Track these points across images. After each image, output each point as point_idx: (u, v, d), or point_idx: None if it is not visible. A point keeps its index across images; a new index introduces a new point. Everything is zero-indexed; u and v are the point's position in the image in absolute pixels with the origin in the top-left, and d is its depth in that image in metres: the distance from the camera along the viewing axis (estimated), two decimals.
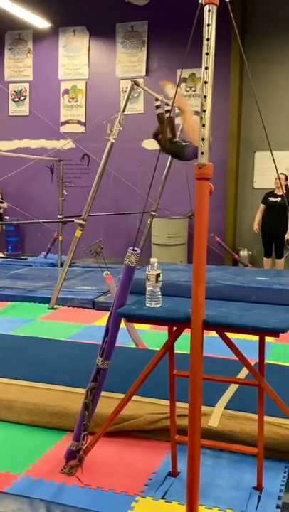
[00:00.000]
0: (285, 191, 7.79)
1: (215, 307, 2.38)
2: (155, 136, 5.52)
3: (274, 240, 7.91)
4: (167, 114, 5.82)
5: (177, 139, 5.58)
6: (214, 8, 2.01)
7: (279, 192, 7.69)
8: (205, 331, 2.15)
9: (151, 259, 2.39)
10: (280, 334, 2.16)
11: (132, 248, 2.42)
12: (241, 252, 8.95)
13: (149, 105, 9.09)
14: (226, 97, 8.70)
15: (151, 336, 4.67)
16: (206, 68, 2.02)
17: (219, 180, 8.95)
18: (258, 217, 8.04)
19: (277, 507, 2.34)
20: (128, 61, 9.43)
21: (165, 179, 8.06)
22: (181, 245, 8.75)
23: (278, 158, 8.85)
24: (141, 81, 7.84)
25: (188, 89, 9.11)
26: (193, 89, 9.01)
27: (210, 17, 2.00)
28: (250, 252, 8.98)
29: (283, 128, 8.63)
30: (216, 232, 8.55)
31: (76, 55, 9.75)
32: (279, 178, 7.64)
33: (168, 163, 7.57)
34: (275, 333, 2.14)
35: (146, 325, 4.70)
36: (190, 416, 2.11)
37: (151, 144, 9.11)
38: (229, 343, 2.25)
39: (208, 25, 1.99)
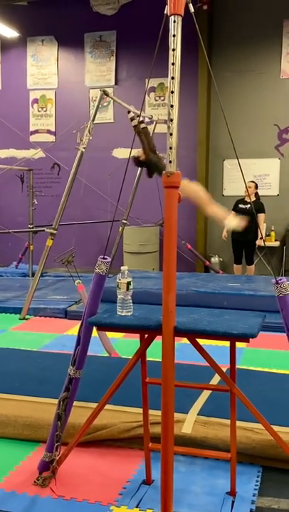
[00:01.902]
0: (255, 198, 7.90)
1: (186, 314, 2.40)
2: (136, 160, 5.42)
3: (244, 246, 7.99)
4: (142, 125, 5.84)
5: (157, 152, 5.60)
6: (179, 19, 2.04)
7: (248, 199, 7.79)
8: (177, 338, 2.17)
9: (122, 267, 2.40)
10: (250, 339, 2.19)
11: (102, 257, 2.43)
12: (212, 259, 9.02)
13: (119, 114, 9.15)
14: (194, 106, 8.79)
15: (124, 344, 4.66)
16: (173, 78, 2.04)
17: None
18: None
19: (251, 511, 2.36)
20: (97, 70, 9.46)
21: (136, 187, 8.10)
22: (152, 253, 8.78)
23: (246, 166, 9.05)
24: (110, 90, 7.85)
25: (156, 98, 9.18)
26: (162, 98, 9.08)
27: (175, 28, 2.03)
28: (221, 259, 9.06)
29: (251, 136, 8.76)
30: (188, 240, 8.61)
31: (45, 65, 9.74)
32: (248, 186, 7.74)
33: (138, 171, 7.60)
34: (245, 338, 2.17)
35: (119, 333, 4.69)
36: (163, 423, 2.12)
37: (121, 153, 9.15)
38: (200, 349, 2.26)
39: (174, 35, 2.02)
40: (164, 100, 9.00)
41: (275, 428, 2.49)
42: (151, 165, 5.45)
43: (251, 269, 8.13)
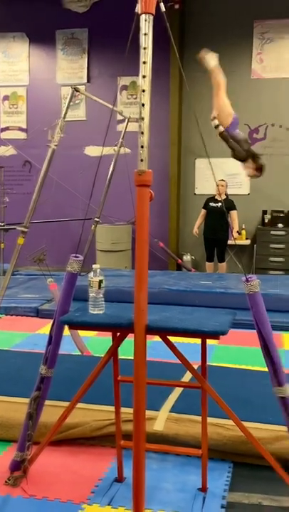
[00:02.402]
0: (225, 197, 7.97)
1: (157, 312, 2.41)
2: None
3: (215, 244, 8.07)
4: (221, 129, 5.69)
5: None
6: (151, 18, 2.05)
7: (219, 197, 7.86)
8: (149, 335, 2.18)
9: (94, 266, 2.40)
10: (221, 336, 2.21)
11: (74, 255, 2.42)
12: (184, 257, 9.08)
13: (91, 112, 9.13)
14: (166, 105, 8.83)
15: (97, 343, 4.65)
16: (144, 77, 2.05)
17: (161, 186, 9.06)
18: (199, 221, 8.18)
19: (222, 507, 2.39)
20: (69, 68, 9.40)
21: (108, 186, 8.08)
22: (125, 251, 8.79)
23: (218, 165, 9.11)
24: (82, 88, 7.83)
25: (129, 96, 9.18)
26: (134, 96, 9.09)
27: (147, 26, 2.03)
28: (193, 257, 9.11)
29: None
30: (160, 238, 8.65)
31: (16, 61, 9.64)
32: (219, 185, 7.80)
33: (110, 169, 7.59)
34: (215, 335, 2.19)
35: (91, 332, 4.68)
36: (134, 421, 2.13)
37: (93, 151, 9.13)
38: (172, 346, 2.28)
39: (145, 34, 2.03)
40: (136, 99, 9.01)
41: (246, 424, 2.52)
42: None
43: (223, 267, 8.21)
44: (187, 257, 9.09)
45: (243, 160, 5.56)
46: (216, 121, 5.56)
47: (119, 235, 8.75)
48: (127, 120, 7.58)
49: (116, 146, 7.42)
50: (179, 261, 8.85)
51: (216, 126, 5.61)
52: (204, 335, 2.23)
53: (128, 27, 2.22)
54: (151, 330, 2.18)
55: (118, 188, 8.10)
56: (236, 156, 5.57)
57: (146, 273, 2.15)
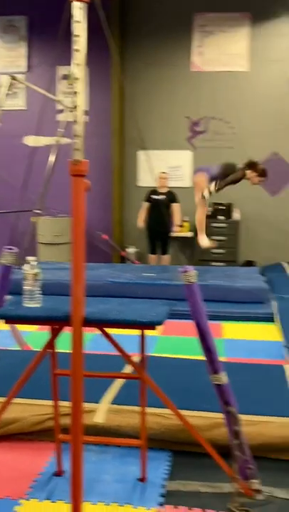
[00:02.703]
0: (167, 189, 8.01)
1: (95, 304, 2.39)
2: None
3: (158, 236, 8.11)
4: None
5: None
6: (84, 5, 2.01)
7: (162, 190, 7.90)
8: (94, 329, 2.16)
9: (29, 258, 2.35)
10: (158, 327, 2.22)
11: (7, 247, 2.36)
12: (128, 249, 9.09)
13: (32, 102, 8.94)
14: (108, 96, 8.77)
15: (38, 337, 4.58)
16: (77, 65, 2.02)
17: (104, 178, 9.02)
18: (142, 214, 8.20)
19: (161, 495, 2.41)
20: (7, 56, 9.17)
21: (49, 177, 7.95)
22: (68, 244, 8.67)
23: (160, 157, 9.14)
24: (22, 77, 7.65)
25: (69, 86, 9.05)
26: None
27: (79, 14, 2.00)
28: (137, 249, 9.14)
29: (164, 128, 8.89)
30: (103, 230, 8.61)
31: None
32: (161, 177, 7.85)
33: (51, 160, 7.47)
34: (152, 326, 2.20)
35: (32, 326, 4.61)
36: (72, 414, 2.11)
37: (33, 141, 8.95)
38: (110, 338, 2.27)
39: (78, 22, 1.99)
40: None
41: (184, 412, 2.56)
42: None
43: (166, 259, 8.27)
44: (131, 249, 9.10)
45: (244, 177, 5.84)
46: (205, 193, 5.91)
47: (62, 228, 8.64)
48: (67, 110, 7.47)
49: (56, 136, 7.31)
50: (123, 253, 8.85)
51: (209, 193, 5.93)
52: (141, 325, 2.24)
53: (66, 15, 2.17)
54: (88, 322, 2.16)
55: (60, 180, 7.99)
56: (240, 180, 5.89)
57: (82, 265, 2.13)
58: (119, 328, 2.26)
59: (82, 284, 2.12)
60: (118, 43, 8.55)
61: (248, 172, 5.94)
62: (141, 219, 8.20)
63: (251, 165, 5.94)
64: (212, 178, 5.92)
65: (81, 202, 2.10)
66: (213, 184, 5.88)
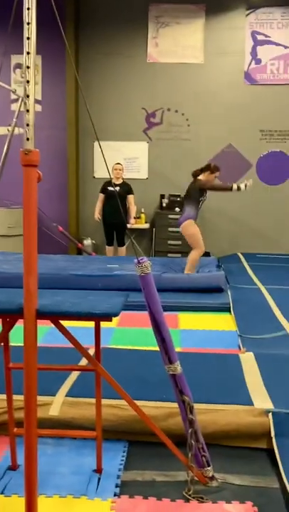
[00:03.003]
0: (122, 181, 7.97)
1: (49, 296, 2.36)
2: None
3: (115, 228, 8.09)
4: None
5: None
6: None
7: (117, 181, 7.87)
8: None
9: None
10: (113, 318, 2.22)
11: None
12: (85, 241, 9.03)
13: None
14: (63, 86, 8.66)
15: None
16: (28, 53, 1.98)
17: (60, 169, 8.93)
18: (98, 206, 8.14)
19: (117, 486, 2.42)
20: None
21: (2, 167, 7.80)
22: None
23: (116, 149, 9.09)
24: None
25: (23, 75, 8.89)
26: None
27: (30, 1, 1.96)
28: (93, 241, 9.10)
29: (120, 119, 8.85)
30: (59, 222, 8.52)
31: None
32: (116, 169, 7.81)
33: (4, 150, 7.32)
34: (107, 317, 2.19)
35: None
36: (26, 407, 2.09)
37: None
38: (64, 331, 2.25)
39: (28, 9, 1.95)
40: None
41: (140, 403, 2.57)
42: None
43: (122, 251, 8.26)
44: (88, 241, 9.05)
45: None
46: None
47: (17, 219, 8.51)
48: (21, 99, 7.33)
49: (10, 125, 7.17)
50: (80, 245, 8.79)
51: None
52: (96, 317, 2.23)
53: (21, 3, 2.12)
54: (41, 314, 2.14)
55: (14, 170, 7.86)
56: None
57: (35, 256, 2.10)
58: (73, 320, 2.24)
59: (35, 275, 2.10)
60: (73, 32, 8.44)
61: (206, 175, 6.33)
62: (97, 211, 8.15)
63: (204, 169, 6.43)
64: (195, 218, 6.44)
65: (33, 192, 2.07)
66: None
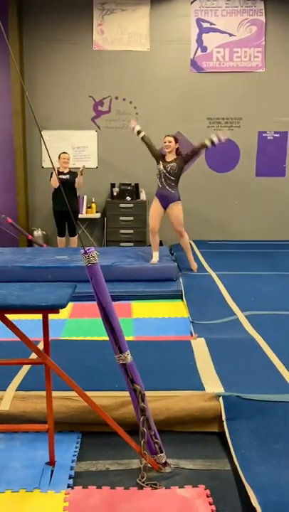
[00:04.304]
0: (68, 170, 7.84)
1: None
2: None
3: (66, 218, 7.99)
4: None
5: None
6: None
7: (65, 170, 7.76)
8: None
9: None
10: (60, 310, 2.20)
11: None
12: (35, 233, 8.88)
13: None
14: (8, 74, 8.45)
15: None
16: None
17: (7, 159, 8.74)
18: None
19: (70, 477, 2.42)
20: None
21: None
22: None
23: (65, 138, 8.97)
24: None
25: None
26: None
27: None
28: (44, 232, 8.97)
29: (68, 108, 8.72)
30: (8, 214, 8.37)
31: None
32: (64, 158, 7.69)
33: None
34: (54, 309, 2.17)
35: None
36: None
37: None
38: (10, 325, 2.22)
39: None
40: None
41: (92, 393, 2.57)
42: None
43: (74, 241, 8.18)
44: (38, 233, 8.91)
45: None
46: None
47: None
48: None
49: None
50: (30, 237, 8.65)
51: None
52: (43, 309, 2.20)
53: None
54: None
55: None
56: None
57: None
58: (19, 313, 2.21)
59: None
60: (16, 18, 8.23)
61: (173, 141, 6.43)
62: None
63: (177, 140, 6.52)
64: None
65: None
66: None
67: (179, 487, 2.34)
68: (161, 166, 6.36)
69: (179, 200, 6.45)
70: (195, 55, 8.72)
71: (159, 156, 6.41)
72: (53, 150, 8.11)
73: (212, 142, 6.23)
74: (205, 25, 8.67)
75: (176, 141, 6.48)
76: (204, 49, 8.72)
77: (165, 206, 6.44)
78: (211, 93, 8.79)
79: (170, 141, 6.40)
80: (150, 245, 6.83)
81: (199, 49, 8.71)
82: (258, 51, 8.72)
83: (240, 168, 9.04)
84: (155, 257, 6.51)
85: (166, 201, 6.42)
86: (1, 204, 8.54)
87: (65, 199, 7.78)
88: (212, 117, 8.89)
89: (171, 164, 6.31)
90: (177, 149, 6.44)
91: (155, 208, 6.51)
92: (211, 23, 8.65)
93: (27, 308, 2.18)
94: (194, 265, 6.60)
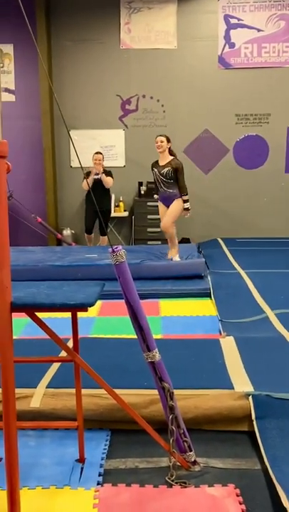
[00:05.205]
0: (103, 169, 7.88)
1: (23, 288, 2.35)
2: None
3: (97, 216, 8.02)
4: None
5: None
6: None
7: (99, 170, 7.75)
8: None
9: None
10: (89, 308, 2.21)
11: None
12: (64, 232, 8.98)
13: None
14: (36, 75, 8.54)
15: None
16: None
17: (36, 159, 8.83)
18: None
19: (100, 474, 2.43)
20: None
21: None
22: None
23: (93, 137, 9.00)
24: None
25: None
26: (1, 65, 8.69)
27: None
28: (73, 231, 9.04)
29: (96, 107, 8.77)
30: (38, 213, 8.46)
31: None
32: (97, 159, 7.69)
33: None
34: (82, 307, 2.18)
35: None
36: (3, 400, 2.07)
37: None
38: (40, 323, 2.24)
39: None
40: (2, 67, 8.62)
41: (121, 391, 2.58)
42: None
43: (104, 240, 8.22)
44: (67, 232, 8.99)
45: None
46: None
47: None
48: None
49: None
50: (59, 236, 8.73)
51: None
52: (71, 308, 2.21)
53: None
54: (16, 307, 2.12)
55: None
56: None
57: (7, 249, 2.07)
58: (48, 311, 2.22)
59: (8, 268, 2.07)
60: (44, 19, 8.31)
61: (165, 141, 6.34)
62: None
63: (169, 139, 6.42)
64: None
65: (2, 184, 2.04)
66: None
67: (208, 486, 2.33)
68: (156, 171, 6.37)
69: (181, 197, 6.41)
70: (223, 51, 8.67)
71: (153, 164, 6.46)
72: (81, 149, 8.18)
73: (184, 201, 6.36)
74: (233, 21, 8.60)
75: (168, 140, 6.41)
76: (232, 45, 8.66)
77: (168, 206, 6.47)
78: (239, 89, 8.73)
79: (162, 141, 6.36)
80: (178, 243, 6.81)
81: (227, 45, 8.66)
82: (287, 46, 8.61)
83: (269, 165, 8.95)
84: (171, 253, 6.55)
85: (168, 201, 6.46)
86: (30, 203, 8.64)
87: (93, 199, 7.82)
88: (240, 114, 8.83)
89: (166, 168, 6.29)
90: (170, 149, 6.40)
91: (162, 211, 6.59)
92: (239, 19, 8.59)
93: (56, 307, 2.20)
94: (172, 253, 6.55)
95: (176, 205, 6.38)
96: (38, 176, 8.89)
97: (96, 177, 7.65)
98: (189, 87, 8.76)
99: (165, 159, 6.34)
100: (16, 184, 8.03)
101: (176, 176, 6.29)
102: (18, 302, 2.13)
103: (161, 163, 6.35)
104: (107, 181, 7.68)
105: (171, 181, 6.31)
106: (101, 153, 7.83)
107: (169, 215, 6.41)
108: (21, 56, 8.44)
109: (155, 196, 6.83)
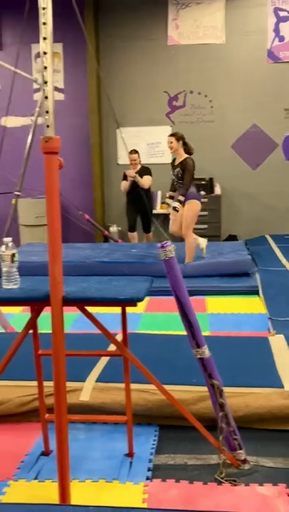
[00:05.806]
0: (140, 166, 7.83)
1: (74, 283, 2.37)
2: None
3: (139, 215, 8.03)
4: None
5: None
6: None
7: (135, 170, 7.74)
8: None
9: (5, 239, 2.32)
10: (138, 303, 2.21)
11: None
12: (111, 228, 9.03)
13: (6, 81, 8.75)
14: (85, 73, 8.62)
15: (23, 319, 4.57)
16: (44, 39, 1.96)
17: (83, 156, 8.92)
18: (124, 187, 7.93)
19: (149, 469, 2.43)
20: None
21: (27, 157, 7.83)
22: None
23: (139, 134, 9.00)
24: None
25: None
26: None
27: None
28: (119, 228, 9.09)
29: (143, 104, 8.78)
30: (85, 210, 8.53)
31: None
32: (131, 159, 7.66)
33: (29, 140, 7.35)
34: (132, 302, 2.18)
35: (16, 308, 4.59)
36: (55, 393, 2.11)
37: (11, 122, 8.80)
38: (90, 317, 2.26)
39: None
40: (53, 66, 8.74)
41: (170, 387, 2.57)
42: None
43: (149, 237, 8.23)
44: (114, 228, 9.04)
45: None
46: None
47: (43, 209, 8.53)
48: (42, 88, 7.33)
49: (33, 115, 7.19)
50: (106, 232, 8.79)
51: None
52: (121, 302, 2.22)
53: None
54: (67, 301, 2.15)
55: (40, 160, 7.88)
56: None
57: (59, 245, 2.10)
58: (98, 306, 2.25)
59: (60, 263, 2.10)
60: (93, 18, 8.38)
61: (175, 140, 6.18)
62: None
63: (180, 138, 6.26)
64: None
65: (54, 179, 2.07)
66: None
67: (258, 485, 2.30)
68: (171, 172, 6.28)
69: (194, 198, 6.19)
70: (272, 45, 8.51)
71: (171, 164, 6.35)
72: (129, 147, 8.19)
73: (179, 201, 6.08)
74: (282, 14, 8.44)
75: (179, 139, 6.21)
76: (281, 38, 8.49)
77: (183, 205, 6.21)
78: (288, 83, 8.55)
79: (171, 142, 6.23)
80: (225, 240, 6.73)
81: (276, 39, 8.49)
82: None
83: None
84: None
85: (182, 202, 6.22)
86: (78, 201, 8.72)
87: (136, 197, 7.82)
88: None
89: (177, 169, 6.18)
90: (185, 148, 6.21)
91: (174, 212, 6.32)
92: None
93: (106, 301, 2.22)
94: (188, 259, 6.26)
95: (188, 209, 6.14)
96: (85, 173, 8.96)
97: (131, 179, 7.62)
98: (237, 82, 8.65)
99: (179, 158, 6.22)
100: (64, 181, 8.08)
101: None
102: (69, 296, 2.16)
103: (176, 162, 6.26)
104: (143, 183, 7.61)
105: (183, 182, 6.16)
106: (137, 152, 7.75)
107: (184, 223, 6.23)
108: (70, 55, 8.53)
109: (167, 194, 6.65)
